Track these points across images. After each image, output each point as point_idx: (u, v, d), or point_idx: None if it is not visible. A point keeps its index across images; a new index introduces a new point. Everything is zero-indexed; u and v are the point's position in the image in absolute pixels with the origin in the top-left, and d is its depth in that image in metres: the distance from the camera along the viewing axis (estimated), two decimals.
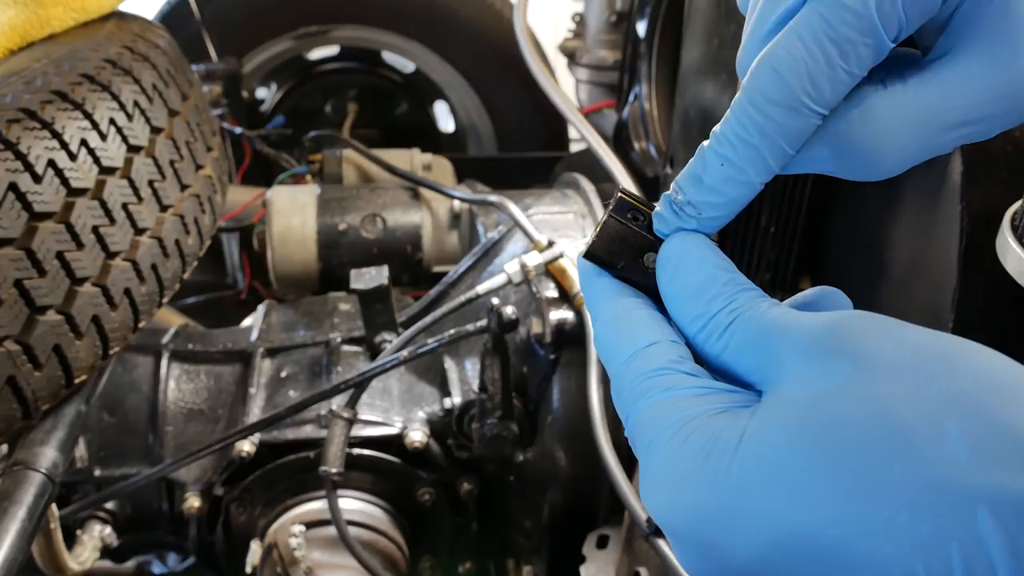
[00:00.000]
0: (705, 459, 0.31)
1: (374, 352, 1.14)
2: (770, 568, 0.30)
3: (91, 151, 0.76)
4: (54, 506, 0.82)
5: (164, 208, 0.86)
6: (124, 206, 0.79)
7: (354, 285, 1.09)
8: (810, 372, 0.31)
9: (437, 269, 1.40)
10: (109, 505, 1.09)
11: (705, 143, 0.37)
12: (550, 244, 1.06)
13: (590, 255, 0.39)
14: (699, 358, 0.36)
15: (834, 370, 0.30)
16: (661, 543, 0.80)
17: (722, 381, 0.35)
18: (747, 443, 0.31)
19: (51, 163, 0.71)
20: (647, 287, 0.39)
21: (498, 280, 1.03)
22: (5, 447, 0.81)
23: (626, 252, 0.39)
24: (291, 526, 1.04)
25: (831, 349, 0.31)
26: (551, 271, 1.05)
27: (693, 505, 0.32)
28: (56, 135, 0.72)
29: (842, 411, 0.29)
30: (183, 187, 0.90)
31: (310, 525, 1.05)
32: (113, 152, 0.78)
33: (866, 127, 0.35)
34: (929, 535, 0.27)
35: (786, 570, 0.30)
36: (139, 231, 0.81)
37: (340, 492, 1.05)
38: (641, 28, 1.47)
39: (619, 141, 1.56)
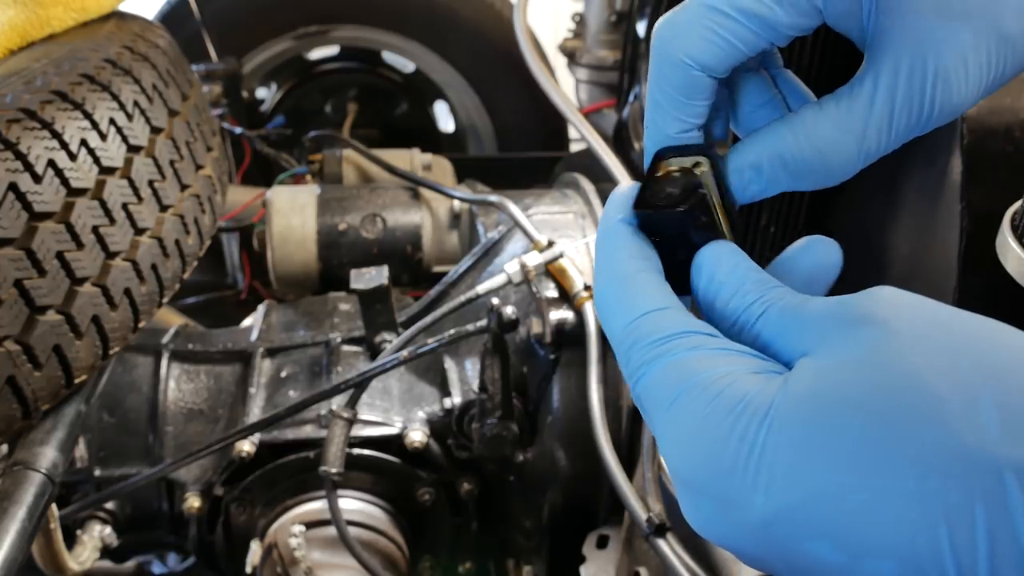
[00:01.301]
0: (737, 417, 0.32)
1: (374, 352, 1.14)
2: (788, 527, 0.30)
3: (91, 151, 0.76)
4: (54, 506, 0.82)
5: (164, 208, 0.86)
6: (124, 206, 0.79)
7: (354, 285, 1.09)
8: (842, 340, 0.32)
9: (437, 269, 1.40)
10: (109, 505, 1.09)
11: None
12: (550, 244, 1.06)
13: (640, 204, 0.40)
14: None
15: (866, 337, 0.31)
16: (661, 543, 0.80)
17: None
18: (779, 405, 0.31)
19: (51, 163, 0.71)
20: (670, 249, 0.40)
21: (498, 280, 1.03)
22: (5, 447, 0.81)
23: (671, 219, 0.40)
24: (291, 526, 1.04)
25: (863, 318, 0.31)
26: (551, 271, 1.05)
27: (719, 459, 0.32)
28: (56, 135, 0.72)
29: (874, 377, 0.30)
30: (183, 187, 0.90)
31: (310, 525, 1.05)
32: (113, 152, 0.78)
33: (810, 146, 0.38)
34: (957, 501, 0.27)
35: (806, 530, 0.30)
36: (139, 231, 0.81)
37: (340, 492, 1.05)
38: (641, 28, 1.47)
39: (619, 141, 1.56)
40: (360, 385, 1.01)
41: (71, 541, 1.02)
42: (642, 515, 0.82)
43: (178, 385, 1.14)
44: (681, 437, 0.34)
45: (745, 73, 0.42)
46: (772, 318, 0.35)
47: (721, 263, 0.38)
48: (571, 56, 1.81)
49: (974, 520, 0.27)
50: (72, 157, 0.73)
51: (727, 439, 0.32)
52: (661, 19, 0.40)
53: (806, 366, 0.32)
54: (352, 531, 1.02)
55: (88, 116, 0.76)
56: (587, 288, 1.03)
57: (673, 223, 0.40)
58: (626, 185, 0.42)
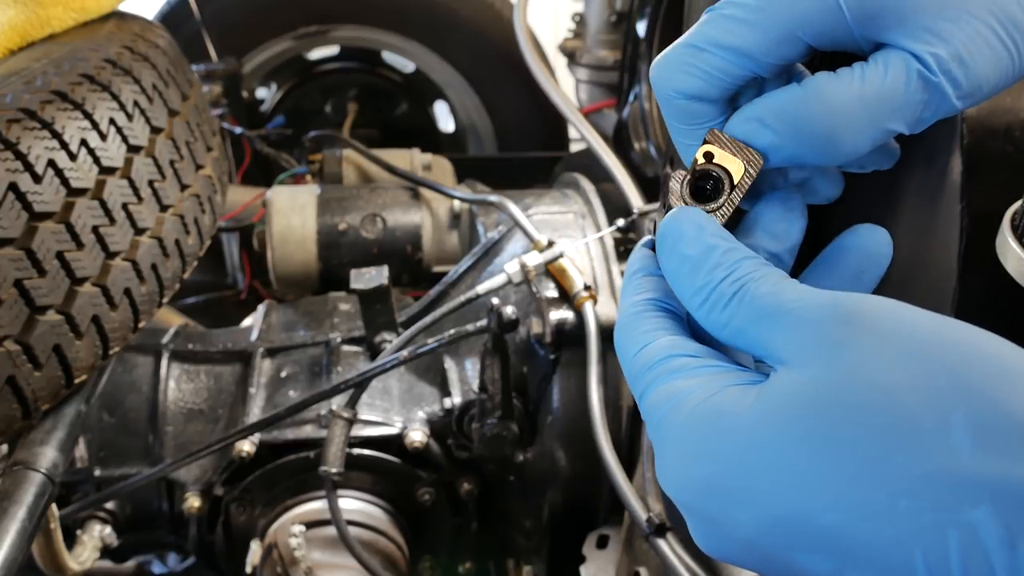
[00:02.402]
0: (711, 436, 0.32)
1: (374, 352, 1.14)
2: (772, 544, 0.31)
3: (91, 151, 0.76)
4: (54, 506, 0.82)
5: (164, 208, 0.86)
6: (124, 206, 0.79)
7: (354, 285, 1.09)
8: (819, 357, 0.31)
9: (437, 269, 1.40)
10: (109, 505, 1.09)
11: None
12: (550, 244, 1.06)
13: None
14: (701, 334, 0.38)
15: (843, 357, 0.30)
16: (661, 543, 0.80)
17: (724, 356, 0.36)
18: (751, 424, 0.31)
19: (51, 163, 0.71)
20: None
21: (498, 280, 1.03)
22: (5, 447, 0.81)
23: None
24: (291, 526, 1.04)
25: (841, 336, 0.31)
26: (551, 271, 1.05)
27: (700, 480, 0.33)
28: (56, 135, 0.72)
29: (848, 399, 0.30)
30: (183, 187, 0.90)
31: (310, 525, 1.05)
32: (113, 152, 0.78)
33: (820, 107, 0.37)
34: (928, 523, 0.27)
35: (787, 547, 0.30)
36: (139, 231, 0.81)
37: (340, 492, 1.05)
38: (641, 28, 1.47)
39: (619, 141, 1.56)
40: (360, 385, 1.01)
41: (71, 541, 1.02)
42: (642, 515, 0.82)
43: (178, 385, 1.14)
44: (667, 458, 0.34)
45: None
46: (745, 305, 0.35)
47: (683, 231, 0.37)
48: (571, 56, 1.81)
49: (946, 540, 0.27)
50: (72, 157, 0.73)
51: (705, 459, 0.32)
52: (654, 60, 0.41)
53: (782, 382, 0.32)
54: (352, 531, 1.02)
55: (88, 116, 0.76)
56: (587, 288, 1.02)
57: None
58: (640, 241, 0.44)
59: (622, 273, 1.11)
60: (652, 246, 0.43)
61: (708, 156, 0.39)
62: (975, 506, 0.26)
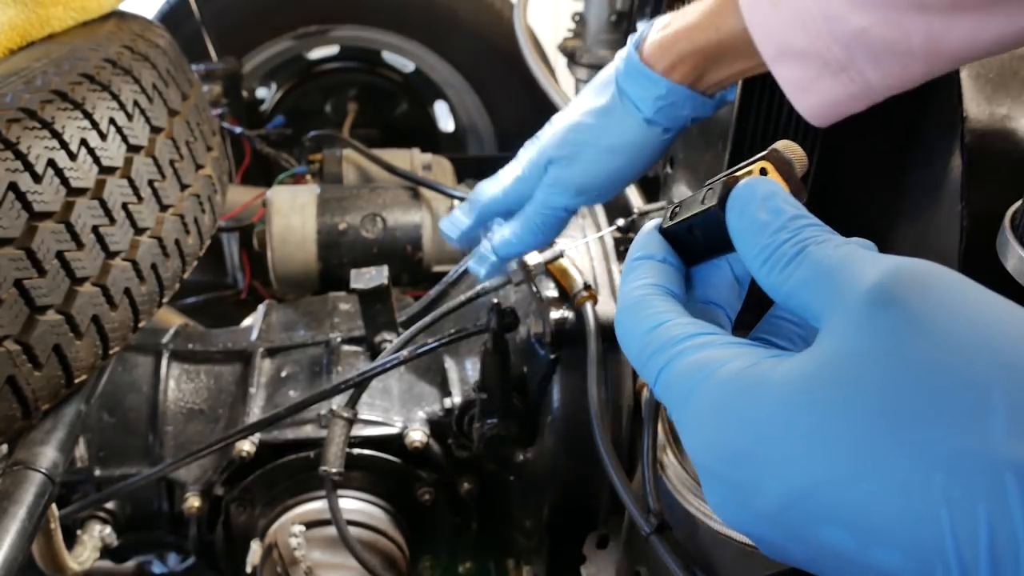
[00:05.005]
0: (748, 402, 0.33)
1: (374, 352, 1.14)
2: (800, 515, 0.31)
3: (91, 151, 0.76)
4: (54, 506, 0.82)
5: (164, 208, 0.86)
6: (124, 206, 0.79)
7: (354, 285, 1.09)
8: (862, 327, 0.31)
9: (437, 269, 1.40)
10: (109, 505, 1.09)
11: None
12: (550, 244, 1.06)
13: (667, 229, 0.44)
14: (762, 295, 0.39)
15: (888, 324, 0.31)
16: (661, 543, 0.80)
17: (761, 340, 0.39)
18: (791, 391, 0.32)
19: (51, 163, 0.71)
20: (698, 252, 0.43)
21: (498, 280, 1.03)
22: (5, 447, 0.81)
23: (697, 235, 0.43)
24: (291, 526, 1.04)
25: (891, 298, 0.31)
26: (551, 271, 1.05)
27: (734, 445, 0.33)
28: (56, 135, 0.72)
29: (888, 373, 0.30)
30: (183, 187, 0.90)
31: (310, 525, 1.05)
32: (113, 152, 0.78)
33: None
34: (960, 497, 0.28)
35: (814, 518, 0.31)
36: (139, 231, 0.81)
37: (340, 492, 1.05)
38: (641, 28, 1.46)
39: None
40: (360, 385, 1.01)
41: (71, 541, 1.02)
42: (642, 515, 0.82)
43: (178, 385, 1.14)
44: (699, 425, 0.35)
45: None
46: (804, 265, 0.35)
47: (756, 193, 0.39)
48: (571, 56, 1.81)
49: (976, 516, 0.27)
50: (72, 157, 0.73)
51: (742, 425, 0.33)
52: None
53: (823, 351, 0.32)
54: (352, 531, 1.02)
55: (88, 116, 0.76)
56: (587, 288, 1.02)
57: (690, 229, 0.42)
58: (650, 224, 0.45)
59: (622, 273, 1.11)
60: (660, 229, 0.44)
61: (763, 172, 0.41)
62: (1005, 484, 0.27)
